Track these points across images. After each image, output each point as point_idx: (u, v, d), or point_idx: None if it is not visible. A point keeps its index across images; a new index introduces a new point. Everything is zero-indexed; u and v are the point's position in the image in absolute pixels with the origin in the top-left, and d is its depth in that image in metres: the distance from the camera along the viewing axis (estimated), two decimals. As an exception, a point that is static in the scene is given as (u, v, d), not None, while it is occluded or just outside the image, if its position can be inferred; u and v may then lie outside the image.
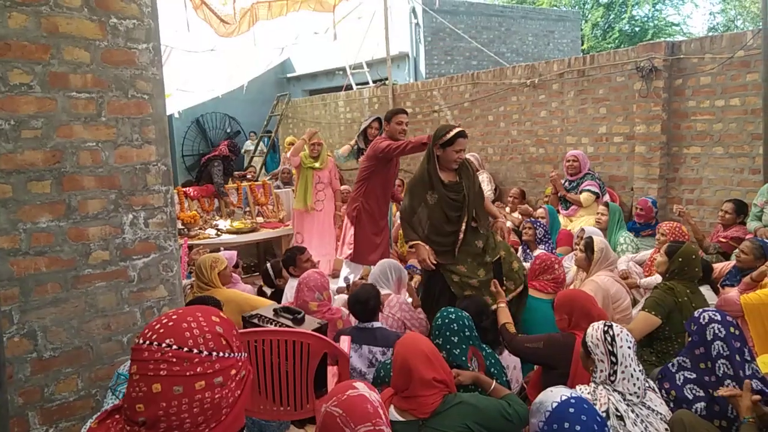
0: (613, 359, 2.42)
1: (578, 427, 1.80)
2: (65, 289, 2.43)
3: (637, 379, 2.39)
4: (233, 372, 1.14)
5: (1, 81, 2.21)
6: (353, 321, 3.79)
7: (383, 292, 3.80)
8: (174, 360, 1.07)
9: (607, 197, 6.13)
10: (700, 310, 2.69)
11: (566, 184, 6.23)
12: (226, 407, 1.12)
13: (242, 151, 12.27)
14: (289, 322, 3.03)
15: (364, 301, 3.33)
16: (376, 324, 3.33)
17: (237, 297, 3.90)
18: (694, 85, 5.87)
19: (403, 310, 3.72)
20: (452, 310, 2.87)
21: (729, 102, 5.63)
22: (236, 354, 1.16)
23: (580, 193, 5.98)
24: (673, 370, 2.65)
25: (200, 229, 6.48)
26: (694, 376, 2.56)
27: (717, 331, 2.53)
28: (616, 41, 21.30)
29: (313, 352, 2.94)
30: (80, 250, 2.46)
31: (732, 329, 2.55)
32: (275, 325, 2.88)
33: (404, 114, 5.15)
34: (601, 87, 6.64)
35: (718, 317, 2.59)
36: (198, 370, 1.08)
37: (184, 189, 6.88)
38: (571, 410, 1.85)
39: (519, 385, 3.45)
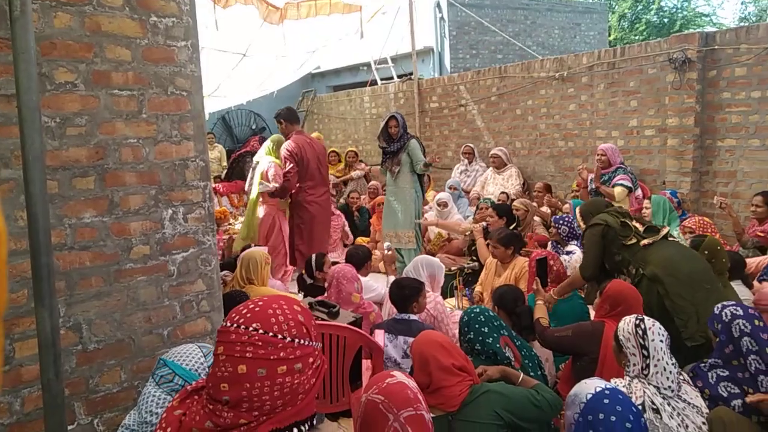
0: (645, 353, 2.40)
1: (613, 418, 1.78)
2: (108, 282, 2.48)
3: (670, 372, 2.36)
4: (311, 360, 1.19)
5: (47, 79, 2.25)
6: (383, 316, 3.82)
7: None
8: (260, 343, 1.13)
9: (639, 191, 6.04)
10: (719, 306, 2.64)
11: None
12: (302, 393, 1.17)
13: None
14: (325, 316, 3.06)
15: (401, 287, 3.44)
16: (413, 316, 3.39)
17: (271, 294, 3.95)
18: (729, 76, 5.75)
19: (438, 310, 3.74)
20: (476, 307, 2.91)
21: (766, 93, 5.51)
22: (314, 343, 1.21)
23: (613, 187, 5.91)
24: (705, 369, 2.61)
25: (229, 224, 6.56)
26: (727, 373, 2.52)
27: (743, 327, 2.49)
28: (644, 33, 20.96)
29: (349, 345, 2.97)
30: (122, 245, 2.50)
31: (757, 322, 2.51)
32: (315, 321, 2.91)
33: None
34: (631, 79, 6.55)
35: (740, 312, 2.54)
36: (281, 354, 1.13)
37: (213, 185, 6.96)
38: (606, 401, 1.83)
39: (552, 378, 3.44)
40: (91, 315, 2.44)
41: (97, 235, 2.44)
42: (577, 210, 3.98)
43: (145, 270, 2.58)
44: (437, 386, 2.25)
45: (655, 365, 2.38)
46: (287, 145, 5.24)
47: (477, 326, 2.73)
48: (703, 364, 2.63)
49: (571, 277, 3.74)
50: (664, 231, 3.45)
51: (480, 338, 2.70)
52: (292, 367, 1.15)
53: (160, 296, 2.64)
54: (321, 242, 5.60)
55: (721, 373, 2.53)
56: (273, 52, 8.19)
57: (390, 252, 5.52)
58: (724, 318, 2.56)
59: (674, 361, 2.42)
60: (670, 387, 2.35)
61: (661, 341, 2.40)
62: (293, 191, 5.39)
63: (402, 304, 3.42)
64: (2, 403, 2.24)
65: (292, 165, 5.22)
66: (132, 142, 2.50)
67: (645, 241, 3.37)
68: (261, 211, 5.78)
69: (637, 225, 3.56)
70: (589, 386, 1.97)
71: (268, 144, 5.88)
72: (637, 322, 2.48)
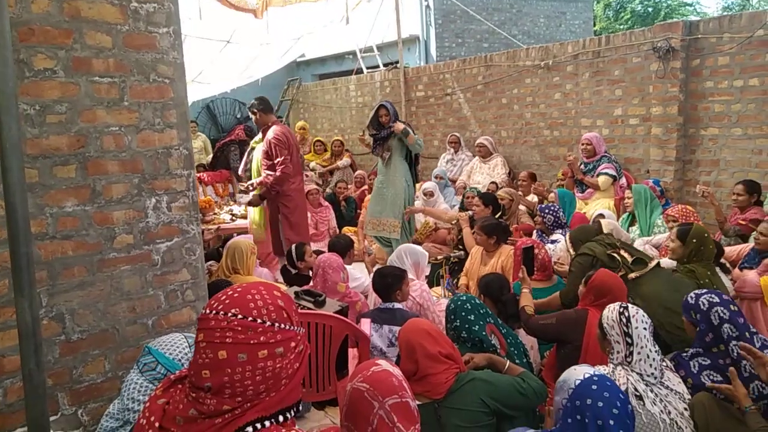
0: (629, 340, 2.44)
1: (600, 404, 1.81)
2: (91, 272, 2.46)
3: (653, 359, 2.40)
4: (293, 344, 1.19)
5: (26, 66, 2.21)
6: (369, 306, 3.83)
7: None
8: (239, 329, 1.13)
9: (623, 180, 6.08)
10: (693, 295, 2.66)
11: (582, 166, 6.18)
12: (285, 378, 1.17)
13: None
14: (311, 305, 3.06)
15: (383, 276, 3.48)
16: (397, 305, 3.41)
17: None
18: (712, 65, 5.80)
19: (424, 298, 3.75)
20: (462, 294, 2.92)
21: (748, 82, 5.56)
22: (296, 328, 1.21)
23: (597, 176, 5.94)
24: (687, 359, 2.64)
25: (214, 214, 6.51)
26: (709, 362, 2.55)
27: (722, 314, 2.52)
28: (629, 22, 21.05)
29: (335, 334, 2.97)
30: (105, 234, 2.48)
31: (733, 307, 2.55)
32: (297, 307, 2.91)
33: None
34: (616, 68, 6.58)
35: (717, 299, 2.57)
36: (261, 339, 1.13)
37: (198, 174, 6.89)
38: (594, 387, 1.86)
39: (537, 365, 3.47)
40: (74, 305, 2.42)
41: (80, 224, 2.41)
42: (567, 236, 4.02)
43: (129, 259, 2.56)
44: (424, 374, 2.27)
45: (639, 353, 2.41)
46: (276, 134, 5.17)
47: (463, 314, 2.74)
48: (684, 353, 2.66)
49: (549, 298, 3.73)
50: (653, 263, 3.44)
51: (466, 326, 2.71)
52: (273, 351, 1.14)
53: (144, 286, 2.62)
54: (306, 229, 5.61)
55: (703, 362, 2.56)
56: (257, 39, 8.11)
57: (372, 255, 5.55)
58: (701, 307, 2.58)
59: (657, 348, 2.45)
60: (653, 374, 2.38)
61: (645, 329, 2.43)
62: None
63: (385, 293, 3.44)
64: (-16, 394, 2.22)
65: (286, 153, 5.16)
66: (114, 130, 2.47)
67: (633, 275, 3.37)
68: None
69: (626, 255, 3.53)
70: (578, 372, 1.99)
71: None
72: (621, 309, 2.51)
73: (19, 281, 1.49)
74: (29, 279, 1.50)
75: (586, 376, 1.94)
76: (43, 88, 2.27)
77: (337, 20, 8.38)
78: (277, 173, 5.13)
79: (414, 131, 5.73)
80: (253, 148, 5.89)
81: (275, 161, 5.15)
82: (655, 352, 2.42)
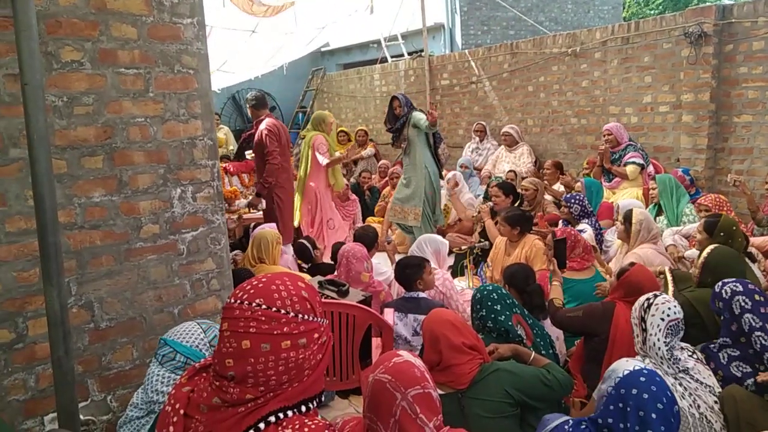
0: (644, 326, 2.42)
1: (646, 396, 1.77)
2: (119, 261, 2.50)
3: (659, 349, 2.36)
4: (316, 336, 1.19)
5: (53, 58, 2.25)
6: (393, 296, 3.83)
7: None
8: (263, 319, 1.13)
9: (651, 168, 5.96)
10: (719, 284, 2.58)
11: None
12: (308, 369, 1.18)
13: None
14: (335, 295, 3.07)
15: (403, 266, 3.49)
16: (421, 294, 3.41)
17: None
18: (746, 50, 5.62)
19: (446, 287, 3.74)
20: (488, 284, 2.90)
21: (784, 67, 5.39)
22: (319, 319, 1.21)
23: (625, 165, 5.83)
24: (715, 350, 2.58)
25: (239, 204, 6.56)
26: (738, 353, 2.50)
27: (743, 304, 2.46)
28: (660, 7, 20.54)
29: (359, 323, 2.98)
30: (132, 224, 2.52)
31: (757, 297, 2.48)
32: (321, 298, 2.93)
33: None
34: (646, 54, 6.42)
35: (740, 287, 2.50)
36: (285, 329, 1.14)
37: (223, 165, 6.96)
38: (642, 379, 1.83)
39: (563, 357, 3.44)
40: (102, 293, 2.46)
41: (107, 214, 2.45)
42: (704, 224, 3.62)
43: (155, 249, 2.60)
44: (447, 364, 2.26)
45: (648, 339, 2.39)
46: (268, 125, 5.37)
47: (490, 303, 2.72)
48: (712, 345, 2.61)
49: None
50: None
51: (492, 315, 2.69)
52: (296, 342, 1.15)
53: (170, 275, 2.65)
54: (292, 220, 5.79)
55: (732, 353, 2.51)
56: (282, 29, 8.12)
57: (391, 244, 5.56)
58: (724, 295, 2.52)
59: (668, 340, 2.38)
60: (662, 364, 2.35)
61: (662, 319, 2.38)
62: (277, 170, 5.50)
63: (407, 283, 3.45)
64: (18, 379, 2.28)
65: (276, 144, 5.35)
66: (139, 121, 2.49)
67: None
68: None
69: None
70: (629, 364, 1.98)
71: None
72: (650, 296, 2.47)
73: (47, 270, 1.52)
74: (57, 268, 1.53)
75: (637, 368, 1.93)
76: (71, 79, 2.30)
77: (361, 9, 8.34)
78: (267, 165, 5.31)
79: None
80: (303, 137, 6.16)
81: (265, 151, 5.33)
82: (663, 343, 2.36)
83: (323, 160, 5.87)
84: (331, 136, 6.16)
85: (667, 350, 2.37)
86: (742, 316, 2.45)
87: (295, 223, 5.97)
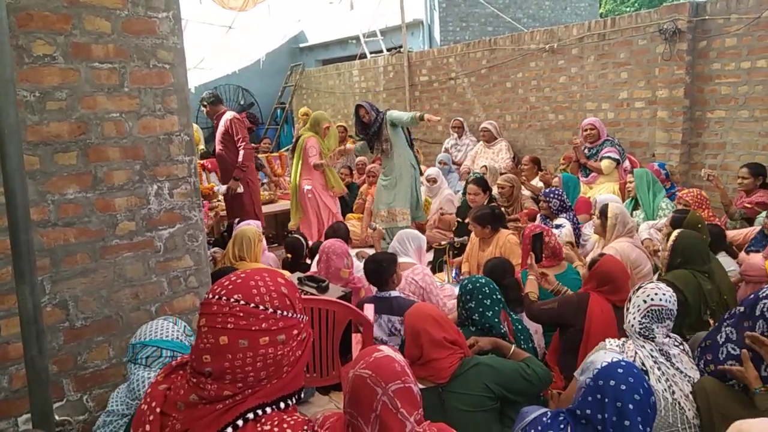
0: (628, 306, 2.48)
1: (623, 387, 1.80)
2: (94, 259, 2.46)
3: (632, 326, 2.42)
4: (295, 332, 1.18)
5: (24, 52, 2.20)
6: (372, 292, 3.81)
7: (403, 260, 3.83)
8: (241, 314, 1.12)
9: (627, 163, 6.04)
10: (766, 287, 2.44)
11: (585, 151, 6.13)
12: (287, 365, 1.17)
13: None
14: (314, 290, 3.06)
15: (378, 261, 3.39)
16: (393, 293, 3.35)
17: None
18: (719, 47, 5.73)
19: (426, 282, 3.73)
20: (479, 276, 2.89)
21: (755, 64, 5.49)
22: (299, 315, 1.20)
23: (600, 160, 5.90)
24: (720, 341, 2.48)
25: (218, 201, 6.50)
26: (737, 352, 2.48)
27: (766, 310, 2.31)
28: (635, 4, 20.79)
29: (339, 319, 2.97)
30: (107, 221, 2.48)
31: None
32: (300, 294, 2.91)
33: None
34: (622, 51, 6.51)
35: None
36: (263, 325, 1.13)
37: (201, 161, 6.88)
38: (620, 371, 1.85)
39: (541, 350, 3.47)
40: (77, 292, 2.42)
41: (82, 211, 2.41)
42: (670, 243, 3.54)
43: (132, 246, 2.56)
44: (428, 359, 2.27)
45: (626, 317, 2.46)
46: (234, 115, 5.46)
47: (480, 297, 2.72)
48: (719, 336, 2.44)
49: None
50: None
51: (480, 309, 2.69)
52: (275, 338, 1.14)
53: (147, 272, 2.62)
54: (260, 204, 5.90)
55: (732, 351, 2.39)
56: (258, 24, 8.07)
57: (375, 230, 5.57)
58: (760, 293, 2.34)
59: (645, 323, 2.39)
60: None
61: (644, 301, 2.42)
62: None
63: (381, 281, 3.34)
64: (-10, 380, 2.24)
65: (245, 132, 5.45)
66: (114, 117, 2.46)
67: None
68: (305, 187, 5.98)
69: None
70: (607, 356, 1.99)
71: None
72: (649, 282, 2.53)
73: (20, 268, 1.49)
74: (30, 266, 1.50)
75: (615, 359, 1.95)
76: (43, 74, 2.26)
77: (337, 2, 8.31)
78: (241, 151, 5.37)
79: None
80: (300, 136, 6.16)
81: (236, 138, 5.37)
82: (638, 322, 2.40)
83: (311, 162, 5.90)
84: (326, 139, 6.11)
85: (640, 328, 2.41)
86: (759, 320, 2.29)
87: (291, 225, 6.09)
